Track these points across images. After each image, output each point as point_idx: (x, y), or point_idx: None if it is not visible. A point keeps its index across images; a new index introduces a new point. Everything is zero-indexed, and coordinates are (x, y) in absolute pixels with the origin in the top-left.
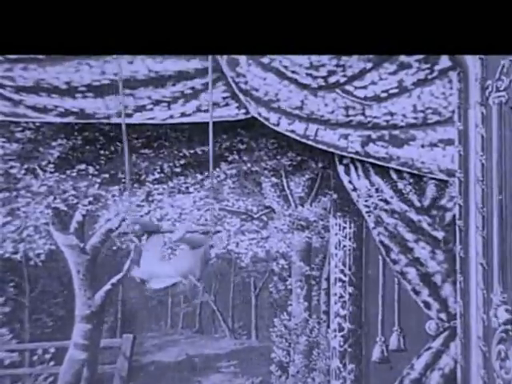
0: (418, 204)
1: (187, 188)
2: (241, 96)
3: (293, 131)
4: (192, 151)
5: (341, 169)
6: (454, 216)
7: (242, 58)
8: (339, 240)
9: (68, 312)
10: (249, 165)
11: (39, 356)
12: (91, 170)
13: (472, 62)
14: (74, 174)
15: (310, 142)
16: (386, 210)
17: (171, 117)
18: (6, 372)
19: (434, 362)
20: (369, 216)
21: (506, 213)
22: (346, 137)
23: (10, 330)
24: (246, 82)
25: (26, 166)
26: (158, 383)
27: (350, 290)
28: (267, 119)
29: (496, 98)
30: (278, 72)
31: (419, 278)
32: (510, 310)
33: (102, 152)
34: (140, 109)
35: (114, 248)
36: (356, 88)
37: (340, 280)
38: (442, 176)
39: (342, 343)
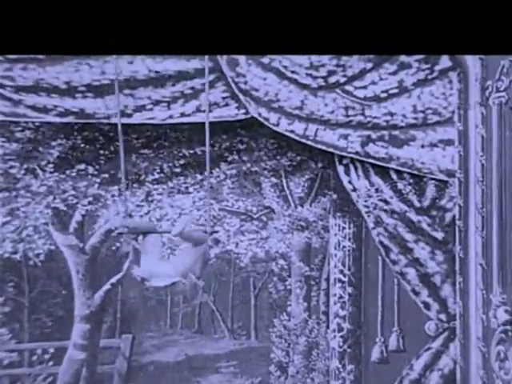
0: (417, 204)
1: (187, 188)
2: (240, 96)
3: (292, 131)
4: (191, 151)
5: (340, 169)
6: (454, 216)
7: (242, 58)
8: (339, 240)
9: (67, 312)
10: (248, 165)
11: (38, 356)
12: (91, 169)
13: (472, 62)
14: (74, 174)
15: (309, 142)
16: (385, 211)
17: (171, 117)
18: (5, 372)
19: (434, 362)
20: (368, 216)
21: (505, 213)
22: (345, 137)
23: (9, 329)
24: (245, 82)
25: (25, 166)
26: (157, 383)
27: (349, 290)
28: (267, 119)
29: (496, 98)
30: (277, 72)
31: (419, 278)
32: (509, 311)
33: (101, 152)
34: (140, 109)
35: (114, 248)
36: (356, 88)
37: (339, 280)
38: (442, 176)
39: (341, 344)
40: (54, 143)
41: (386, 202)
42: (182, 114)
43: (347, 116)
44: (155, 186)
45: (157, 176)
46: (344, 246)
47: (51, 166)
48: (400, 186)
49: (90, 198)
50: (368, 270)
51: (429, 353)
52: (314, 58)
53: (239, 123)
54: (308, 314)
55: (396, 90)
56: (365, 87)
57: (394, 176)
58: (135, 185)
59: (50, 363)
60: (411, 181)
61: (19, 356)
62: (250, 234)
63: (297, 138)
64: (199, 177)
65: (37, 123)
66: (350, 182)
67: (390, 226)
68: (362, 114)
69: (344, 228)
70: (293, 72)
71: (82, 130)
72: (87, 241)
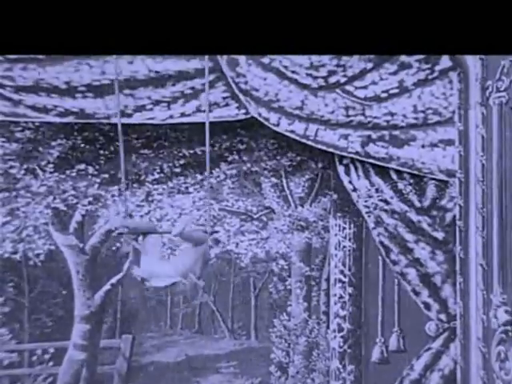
0: (418, 204)
1: (187, 188)
2: (241, 96)
3: (293, 131)
4: (192, 151)
5: (341, 169)
6: (454, 216)
7: (242, 58)
8: (339, 240)
9: (67, 312)
10: (248, 165)
11: (38, 356)
12: (91, 169)
13: (472, 62)
14: (74, 174)
15: (309, 143)
16: (386, 211)
17: (171, 117)
18: (5, 372)
19: (434, 362)
20: (369, 216)
21: (506, 213)
22: (346, 137)
23: (9, 330)
24: (246, 82)
25: (25, 166)
26: None
27: (349, 290)
28: (267, 119)
29: (496, 98)
30: (278, 72)
31: (419, 278)
32: (509, 311)
33: (101, 152)
34: (140, 109)
35: (114, 248)
36: (356, 88)
37: (340, 281)
38: (442, 176)
39: (341, 344)
40: (53, 143)
41: (386, 202)
42: (182, 114)
43: (347, 116)
44: (155, 186)
45: (157, 176)
46: (344, 246)
47: (51, 166)
48: (400, 186)
49: (90, 198)
50: (368, 270)
51: (429, 353)
52: (315, 58)
53: (239, 123)
54: (308, 314)
55: (396, 90)
56: (365, 87)
57: (395, 176)
58: (135, 185)
59: (50, 363)
60: (411, 181)
61: (19, 356)
62: (250, 234)
63: (297, 138)
64: (199, 177)
65: (37, 123)
66: (350, 182)
67: (390, 226)
68: (363, 114)
69: (344, 228)
70: (293, 72)
71: (82, 130)
72: (87, 241)
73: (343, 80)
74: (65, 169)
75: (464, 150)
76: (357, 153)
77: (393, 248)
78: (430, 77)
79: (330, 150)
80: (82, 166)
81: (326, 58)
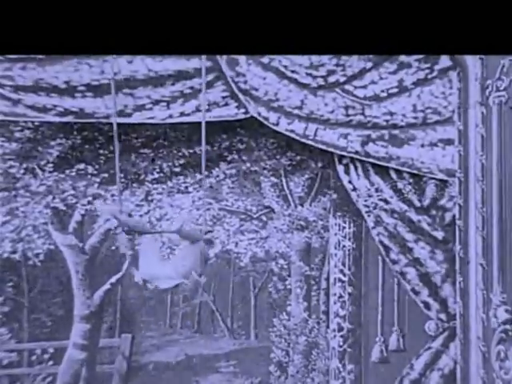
0: (417, 204)
1: (186, 188)
2: (240, 95)
3: (292, 131)
4: (191, 151)
5: (340, 168)
6: (454, 216)
7: (242, 58)
8: (339, 240)
9: (67, 312)
10: (248, 164)
11: (38, 356)
12: (90, 169)
13: (472, 61)
14: (73, 174)
15: (309, 142)
16: (385, 210)
17: (170, 116)
18: (5, 372)
19: (434, 362)
20: (368, 216)
21: (505, 213)
22: (345, 136)
23: (8, 329)
24: (245, 82)
25: (25, 166)
26: (156, 383)
27: (349, 289)
28: (267, 119)
29: (496, 97)
30: (277, 71)
31: (419, 278)
32: (509, 311)
33: (101, 151)
34: (139, 108)
35: (113, 248)
36: (356, 87)
37: (339, 280)
38: (442, 176)
39: (341, 343)
40: (53, 143)
41: (385, 201)
42: (182, 114)
43: (347, 115)
44: (155, 186)
45: (156, 175)
46: (344, 246)
47: (51, 165)
48: (400, 185)
49: (90, 198)
50: (368, 270)
51: (429, 352)
52: (314, 58)
53: (239, 123)
54: (308, 313)
55: (396, 90)
56: (365, 87)
57: (394, 175)
58: (135, 184)
59: (50, 363)
60: (411, 180)
61: (18, 356)
62: (249, 233)
63: (297, 137)
64: (199, 176)
65: (36, 123)
66: (349, 182)
67: (390, 225)
68: (362, 114)
69: (344, 227)
70: (292, 71)
71: (82, 130)
72: (87, 240)
73: (343, 79)
74: (64, 168)
75: (464, 149)
76: (356, 152)
77: (392, 247)
78: (429, 76)
79: (330, 149)
80: (82, 166)
81: (325, 58)
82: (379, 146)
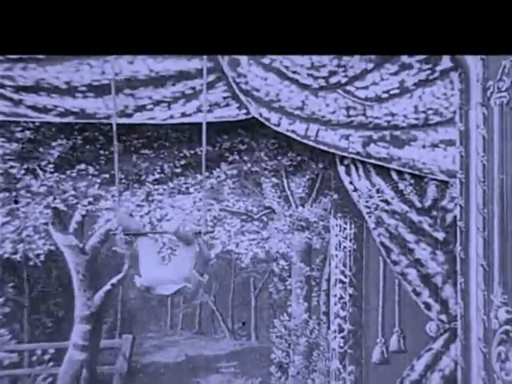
0: (418, 205)
1: (187, 188)
2: (241, 96)
3: (293, 131)
4: (192, 151)
5: (341, 169)
6: (455, 217)
7: (243, 58)
8: (340, 241)
9: (67, 312)
10: (249, 165)
11: (38, 356)
12: (91, 170)
13: (473, 62)
14: (74, 174)
15: (310, 143)
16: (386, 211)
17: (171, 117)
18: (5, 372)
19: (435, 363)
20: (369, 217)
21: (506, 214)
22: (346, 137)
23: (9, 330)
24: (246, 83)
25: (25, 166)
26: None
27: (350, 290)
28: (268, 119)
29: (497, 98)
30: (278, 72)
31: (420, 279)
32: (510, 312)
33: (101, 152)
34: (140, 109)
35: (114, 248)
36: (357, 88)
37: (340, 281)
38: (443, 177)
39: (341, 344)
40: (54, 143)
41: (387, 202)
42: (183, 114)
43: (348, 116)
44: (156, 187)
45: (157, 176)
46: (345, 247)
47: (51, 166)
48: (401, 186)
49: (91, 199)
50: (369, 271)
51: (430, 353)
52: (315, 59)
53: (240, 123)
54: (309, 314)
55: (397, 91)
56: (366, 87)
57: (395, 176)
58: (136, 185)
59: (50, 364)
60: (412, 181)
61: (19, 356)
62: (250, 234)
63: (298, 138)
64: (199, 177)
65: (37, 123)
66: (350, 183)
67: (391, 226)
68: (364, 115)
69: (345, 228)
70: (294, 72)
71: (83, 130)
72: (87, 241)
73: (344, 80)
74: (65, 169)
75: (465, 150)
76: (358, 153)
77: (393, 248)
78: (430, 77)
79: (331, 150)
80: (83, 166)
81: (326, 59)
82: (380, 147)
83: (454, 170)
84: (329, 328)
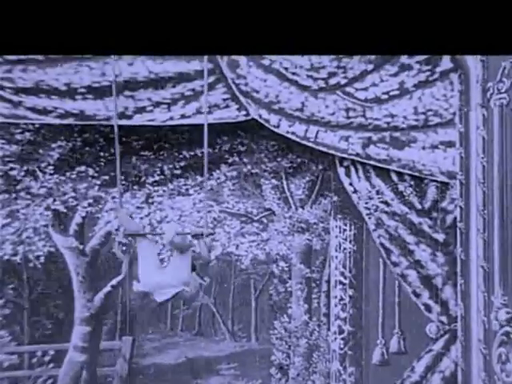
0: (418, 206)
1: (187, 190)
2: (241, 98)
3: (293, 133)
4: (192, 153)
5: (341, 171)
6: (455, 218)
7: (243, 60)
8: (339, 242)
9: (67, 314)
10: (249, 167)
11: (38, 358)
12: (91, 171)
13: (473, 63)
14: (74, 176)
15: (310, 144)
16: (386, 213)
17: (171, 118)
18: (5, 374)
19: (435, 364)
20: (369, 218)
21: (506, 215)
22: (346, 139)
23: (9, 332)
24: (246, 84)
25: (25, 168)
26: None
27: (350, 292)
28: (267, 121)
29: (497, 99)
30: (278, 74)
31: (420, 280)
32: (510, 313)
33: (101, 154)
34: (140, 110)
35: (113, 250)
36: (357, 90)
37: (340, 282)
38: (443, 178)
39: (342, 346)
40: (54, 145)
41: (386, 203)
42: (183, 116)
43: (348, 118)
44: (155, 188)
45: (157, 178)
46: (345, 248)
47: (51, 167)
48: (401, 187)
49: (90, 200)
50: (369, 272)
51: (430, 355)
52: (315, 60)
53: (240, 125)
54: (309, 316)
55: (397, 92)
56: (365, 89)
57: (395, 178)
58: (135, 187)
59: (50, 365)
60: (412, 183)
61: (19, 358)
62: (250, 235)
63: (297, 139)
64: (199, 179)
65: (37, 125)
66: (350, 184)
67: (390, 227)
68: (363, 116)
69: (345, 230)
70: (293, 74)
71: (82, 132)
72: (87, 243)
73: (343, 81)
74: (65, 171)
75: (465, 151)
76: (357, 154)
77: (393, 250)
78: (430, 78)
79: (331, 151)
80: (82, 168)
81: (326, 60)
82: (380, 149)
83: (454, 171)
84: (329, 329)
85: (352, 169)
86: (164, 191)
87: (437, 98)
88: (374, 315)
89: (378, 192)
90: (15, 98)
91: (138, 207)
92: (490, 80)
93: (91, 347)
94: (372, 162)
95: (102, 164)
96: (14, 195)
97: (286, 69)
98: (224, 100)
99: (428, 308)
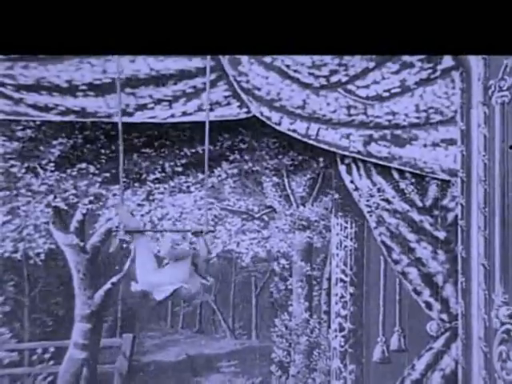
0: (419, 204)
1: (188, 187)
2: (242, 95)
3: (294, 130)
4: (193, 150)
5: (342, 168)
6: (456, 216)
7: (244, 57)
8: (340, 240)
9: (68, 311)
10: (250, 164)
11: (39, 355)
12: (92, 168)
13: (475, 61)
14: (75, 173)
15: (311, 142)
16: (387, 210)
17: (172, 116)
18: (5, 371)
19: (435, 362)
20: (370, 216)
21: (508, 213)
22: (347, 136)
23: (9, 329)
24: (247, 81)
25: (26, 165)
26: (157, 383)
27: (351, 290)
28: (269, 118)
29: (499, 97)
30: (280, 71)
31: (420, 278)
32: (511, 311)
33: (102, 151)
34: (141, 108)
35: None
36: (358, 87)
37: (341, 280)
38: (444, 176)
39: (342, 343)
40: (54, 142)
41: (387, 201)
42: (184, 113)
43: (349, 115)
44: (156, 185)
45: (158, 175)
46: (346, 246)
47: (52, 164)
48: (402, 185)
49: (91, 197)
50: (370, 270)
51: (430, 353)
52: (316, 58)
53: (241, 122)
54: (309, 313)
55: (398, 90)
56: (367, 86)
57: (396, 175)
58: (136, 184)
59: (51, 362)
60: (413, 180)
61: (19, 355)
62: (251, 233)
63: (299, 137)
64: (200, 176)
65: (38, 122)
66: (351, 182)
67: (391, 225)
68: (364, 114)
69: (346, 227)
70: (295, 71)
71: (83, 129)
72: (88, 240)
73: (345, 79)
74: (66, 168)
75: (466, 149)
76: (358, 152)
77: (394, 247)
78: (432, 76)
79: (332, 149)
80: (83, 165)
81: (327, 58)
82: (381, 146)
83: (455, 169)
84: (329, 327)
85: (353, 166)
86: (165, 188)
87: (438, 95)
88: (374, 313)
89: (379, 190)
90: (16, 95)
91: (138, 204)
92: (492, 78)
93: (91, 344)
94: (373, 160)
95: (103, 161)
96: (14, 192)
97: (288, 66)
98: (225, 97)
99: (429, 306)
